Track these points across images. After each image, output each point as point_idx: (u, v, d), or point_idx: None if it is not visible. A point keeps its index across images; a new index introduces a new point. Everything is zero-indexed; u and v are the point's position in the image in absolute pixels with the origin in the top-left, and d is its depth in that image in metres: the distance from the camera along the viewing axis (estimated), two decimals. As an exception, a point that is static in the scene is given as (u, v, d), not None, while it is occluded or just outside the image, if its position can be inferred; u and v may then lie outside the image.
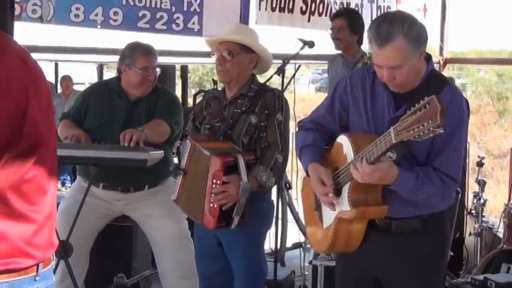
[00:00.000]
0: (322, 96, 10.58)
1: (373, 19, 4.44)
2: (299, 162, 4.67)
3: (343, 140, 2.78)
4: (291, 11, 6.42)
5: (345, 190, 2.70)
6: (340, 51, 5.49)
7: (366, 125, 2.82)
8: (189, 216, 3.68)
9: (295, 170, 5.35)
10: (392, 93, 2.75)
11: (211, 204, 3.32)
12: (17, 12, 4.50)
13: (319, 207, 2.93)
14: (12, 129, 1.71)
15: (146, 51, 4.02)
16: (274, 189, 3.79)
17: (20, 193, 1.78)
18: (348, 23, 5.33)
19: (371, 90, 2.84)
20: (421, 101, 2.27)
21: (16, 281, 1.82)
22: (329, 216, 2.81)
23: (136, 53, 4.00)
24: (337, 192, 2.75)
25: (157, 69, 4.06)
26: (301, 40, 4.67)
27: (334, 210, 2.75)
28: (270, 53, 3.64)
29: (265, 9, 6.20)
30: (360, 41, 5.40)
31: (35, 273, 1.86)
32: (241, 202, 3.30)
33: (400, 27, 2.55)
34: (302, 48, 4.62)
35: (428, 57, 2.74)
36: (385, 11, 7.58)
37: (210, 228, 3.38)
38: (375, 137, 2.56)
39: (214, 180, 3.30)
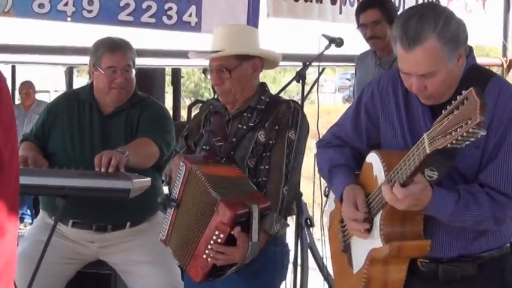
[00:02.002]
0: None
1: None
2: (321, 190, 4.65)
3: (373, 158, 2.79)
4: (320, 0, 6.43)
5: (377, 222, 2.70)
6: (370, 48, 5.47)
7: (403, 142, 2.82)
8: (175, 258, 3.62)
9: (317, 202, 5.31)
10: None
11: (204, 256, 3.29)
12: (-33, 4, 4.54)
13: (347, 247, 2.92)
14: None
15: (113, 46, 4.02)
16: (291, 228, 3.75)
17: None
18: (383, 13, 5.26)
19: (405, 98, 2.83)
20: (457, 97, 2.24)
21: None
22: (360, 257, 2.82)
23: (100, 49, 4.02)
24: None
25: (132, 70, 4.05)
26: (326, 37, 4.64)
27: (366, 238, 2.75)
28: (275, 52, 3.65)
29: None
30: None
31: None
32: (244, 262, 3.27)
33: (433, 25, 2.54)
34: (327, 47, 4.60)
35: (469, 51, 2.72)
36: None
37: (194, 280, 3.39)
38: None
39: (217, 233, 3.22)
